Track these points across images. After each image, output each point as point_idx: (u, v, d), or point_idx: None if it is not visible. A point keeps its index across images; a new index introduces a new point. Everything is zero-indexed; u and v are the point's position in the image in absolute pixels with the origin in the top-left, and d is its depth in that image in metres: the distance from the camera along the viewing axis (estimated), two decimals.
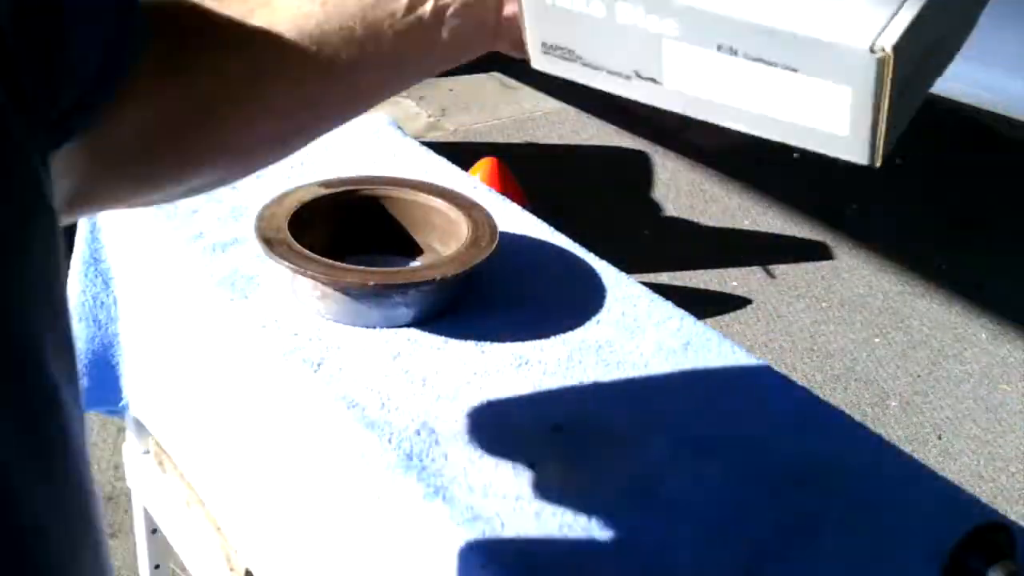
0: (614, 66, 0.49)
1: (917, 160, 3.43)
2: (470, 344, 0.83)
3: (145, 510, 1.22)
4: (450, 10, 0.49)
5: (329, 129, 0.51)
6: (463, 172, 1.12)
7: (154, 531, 1.23)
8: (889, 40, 0.43)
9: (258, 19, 0.44)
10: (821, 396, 0.83)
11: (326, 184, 0.97)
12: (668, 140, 3.47)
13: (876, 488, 0.72)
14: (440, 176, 1.08)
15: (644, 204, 3.09)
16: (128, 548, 1.70)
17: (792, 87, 0.45)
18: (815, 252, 2.86)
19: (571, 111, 3.68)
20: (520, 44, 0.50)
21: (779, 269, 2.73)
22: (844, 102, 0.44)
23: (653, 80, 0.48)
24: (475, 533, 0.64)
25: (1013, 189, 3.24)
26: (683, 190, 3.19)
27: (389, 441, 0.72)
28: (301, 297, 0.86)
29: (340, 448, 0.73)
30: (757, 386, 0.81)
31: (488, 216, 0.92)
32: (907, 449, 0.79)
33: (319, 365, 0.80)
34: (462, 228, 0.90)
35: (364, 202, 0.96)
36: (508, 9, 0.51)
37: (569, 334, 0.85)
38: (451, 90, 3.81)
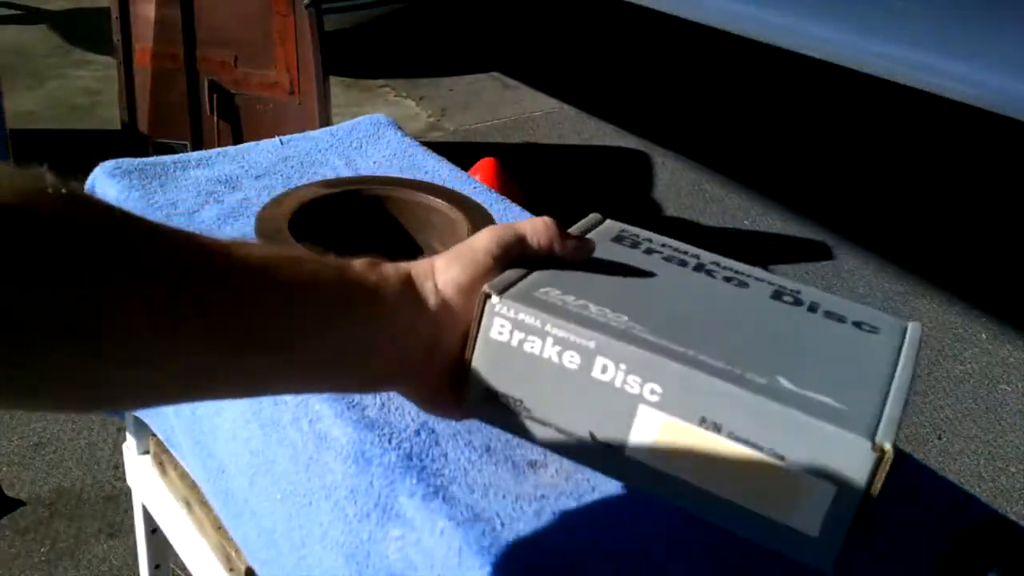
0: (568, 424, 0.45)
1: (917, 159, 3.44)
2: None
3: (145, 510, 1.21)
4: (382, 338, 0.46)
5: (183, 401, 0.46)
6: (463, 172, 1.12)
7: (154, 531, 1.23)
8: (888, 436, 0.40)
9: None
10: None
11: (326, 184, 0.97)
12: (668, 140, 3.47)
13: None
14: (440, 176, 1.08)
15: (644, 204, 3.09)
16: (128, 548, 1.70)
17: (770, 477, 0.41)
18: (815, 252, 2.86)
19: (571, 111, 3.68)
20: (441, 382, 0.47)
21: (779, 269, 2.73)
22: (824, 501, 0.40)
23: (610, 445, 0.44)
24: (475, 533, 0.64)
25: (1013, 189, 3.25)
26: (683, 190, 3.19)
27: (389, 441, 0.72)
28: None
29: (340, 448, 0.73)
30: None
31: (488, 216, 0.92)
32: (907, 449, 0.79)
33: None
34: (462, 228, 0.90)
35: (364, 202, 0.96)
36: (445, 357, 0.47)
37: None
38: (451, 90, 3.81)
